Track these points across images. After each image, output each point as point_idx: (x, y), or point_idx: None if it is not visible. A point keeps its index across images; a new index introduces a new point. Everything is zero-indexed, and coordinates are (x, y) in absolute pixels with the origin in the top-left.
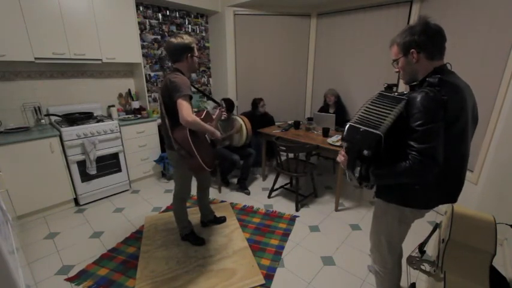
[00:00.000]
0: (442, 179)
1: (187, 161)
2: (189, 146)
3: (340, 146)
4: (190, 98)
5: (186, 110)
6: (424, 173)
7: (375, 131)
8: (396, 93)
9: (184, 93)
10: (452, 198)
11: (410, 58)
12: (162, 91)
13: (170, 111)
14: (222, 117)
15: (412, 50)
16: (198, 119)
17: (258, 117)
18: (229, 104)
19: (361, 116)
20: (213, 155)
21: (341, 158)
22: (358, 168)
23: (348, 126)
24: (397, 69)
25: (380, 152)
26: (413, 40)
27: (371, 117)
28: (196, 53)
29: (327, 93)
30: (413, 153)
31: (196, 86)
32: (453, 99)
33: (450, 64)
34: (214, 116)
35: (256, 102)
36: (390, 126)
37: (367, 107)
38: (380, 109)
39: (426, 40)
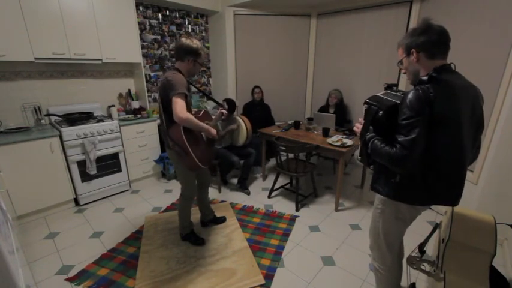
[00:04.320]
0: (431, 177)
1: (182, 159)
2: (183, 143)
3: (341, 146)
4: (186, 96)
5: (179, 107)
6: (401, 162)
7: (394, 100)
8: (399, 93)
9: (179, 91)
10: (452, 201)
11: (412, 58)
12: (160, 89)
13: (167, 109)
14: (222, 117)
15: (413, 50)
16: (191, 116)
17: (256, 105)
18: (231, 105)
19: (380, 95)
20: (210, 153)
21: (358, 125)
22: (368, 134)
23: (372, 95)
24: (404, 70)
25: (391, 122)
26: (414, 40)
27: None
28: (200, 61)
29: (331, 92)
30: (397, 145)
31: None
32: (442, 98)
33: (454, 64)
34: (214, 117)
35: (252, 89)
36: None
37: (381, 95)
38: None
39: (426, 40)
